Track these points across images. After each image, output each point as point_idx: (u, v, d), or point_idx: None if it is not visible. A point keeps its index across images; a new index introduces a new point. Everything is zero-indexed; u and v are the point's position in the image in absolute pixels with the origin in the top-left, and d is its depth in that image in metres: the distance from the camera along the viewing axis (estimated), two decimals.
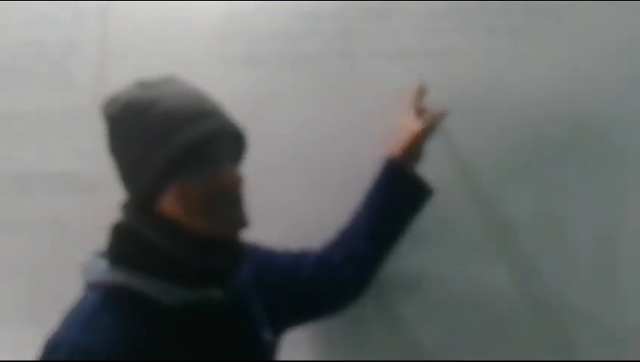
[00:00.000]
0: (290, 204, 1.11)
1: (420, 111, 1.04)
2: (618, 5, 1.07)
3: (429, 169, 1.04)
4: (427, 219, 1.04)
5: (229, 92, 1.11)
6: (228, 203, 0.75)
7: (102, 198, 1.14)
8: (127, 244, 0.75)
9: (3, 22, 1.19)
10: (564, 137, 1.07)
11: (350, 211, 1.03)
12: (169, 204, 0.73)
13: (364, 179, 1.02)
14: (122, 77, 1.14)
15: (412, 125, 1.00)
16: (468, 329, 1.09)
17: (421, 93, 1.06)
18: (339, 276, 0.97)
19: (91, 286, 0.75)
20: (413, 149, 1.00)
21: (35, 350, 1.11)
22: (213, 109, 0.76)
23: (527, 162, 1.08)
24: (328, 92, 1.12)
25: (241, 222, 0.77)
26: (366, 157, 1.05)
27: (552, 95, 1.08)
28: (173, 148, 0.71)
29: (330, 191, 1.10)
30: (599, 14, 1.07)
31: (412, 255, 1.08)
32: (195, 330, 0.74)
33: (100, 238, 1.14)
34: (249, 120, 1.12)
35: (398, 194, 0.98)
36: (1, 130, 1.17)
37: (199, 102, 0.76)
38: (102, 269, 0.75)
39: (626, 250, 1.06)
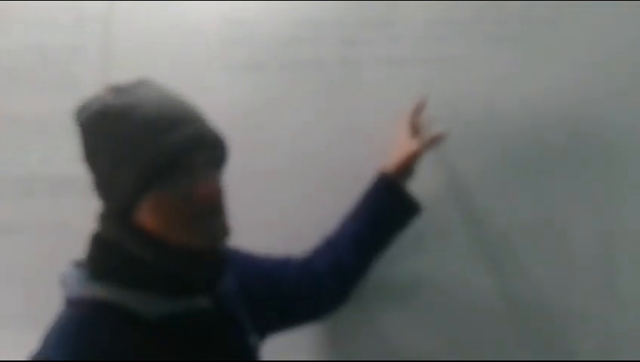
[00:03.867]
0: (290, 210, 1.12)
1: (417, 129, 1.05)
2: (616, 13, 1.08)
3: (427, 175, 1.05)
4: (424, 224, 1.05)
5: (230, 97, 1.13)
6: (206, 215, 0.72)
7: None
8: (106, 256, 0.72)
9: (7, 26, 1.19)
10: (562, 143, 1.09)
11: (345, 213, 1.04)
12: (145, 215, 0.70)
13: (364, 185, 1.03)
14: (125, 81, 1.17)
15: (407, 144, 1.01)
16: (465, 333, 1.09)
17: (419, 109, 1.06)
18: (321, 284, 0.96)
19: (71, 302, 0.72)
20: (407, 167, 1.00)
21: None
22: (191, 116, 0.73)
23: (526, 167, 1.09)
24: (329, 98, 1.13)
25: (220, 234, 0.74)
26: (366, 163, 1.06)
27: (550, 102, 1.09)
28: (148, 158, 0.68)
29: (330, 196, 1.10)
30: (597, 22, 1.09)
31: (409, 260, 1.09)
32: (181, 341, 0.72)
33: None
34: (249, 125, 1.14)
35: (387, 209, 0.98)
36: (4, 133, 1.17)
37: (176, 109, 0.72)
38: (81, 283, 0.72)
39: (624, 251, 1.07)
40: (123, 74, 1.15)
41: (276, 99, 1.13)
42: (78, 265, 0.75)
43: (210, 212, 0.72)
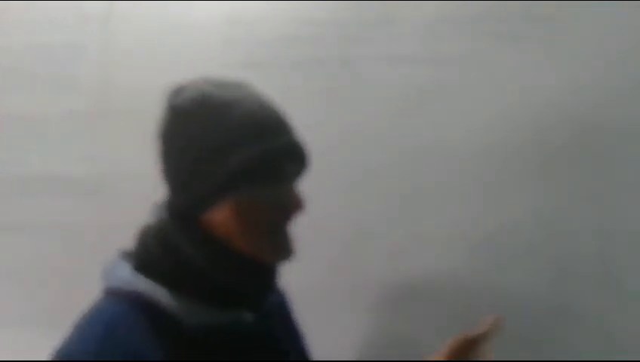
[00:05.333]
0: None
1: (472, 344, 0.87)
2: (618, 11, 1.08)
3: (426, 174, 1.05)
4: (428, 220, 1.04)
5: None
6: (284, 227, 0.69)
7: (104, 202, 1.15)
8: (156, 251, 0.66)
9: (7, 25, 1.19)
10: (565, 141, 1.08)
11: (346, 214, 1.03)
12: (220, 217, 0.65)
13: (364, 183, 1.03)
14: (125, 80, 1.17)
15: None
16: (467, 330, 1.09)
17: (494, 331, 0.87)
18: None
19: (111, 293, 0.66)
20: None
21: (35, 351, 1.12)
22: (286, 125, 0.70)
23: (528, 165, 1.09)
24: (329, 98, 1.13)
25: (290, 250, 0.70)
26: (367, 162, 1.05)
27: (553, 100, 1.09)
28: (243, 158, 0.64)
29: (329, 196, 1.10)
30: (598, 21, 1.09)
31: (409, 260, 1.09)
32: (217, 354, 0.65)
33: (100, 242, 1.16)
34: None
35: None
36: (4, 133, 1.18)
37: (273, 115, 0.69)
38: (125, 275, 0.66)
39: (624, 251, 1.06)
40: (124, 73, 1.16)
41: (276, 98, 1.13)
42: (124, 255, 0.69)
43: (285, 225, 0.70)
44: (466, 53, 1.10)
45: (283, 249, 0.69)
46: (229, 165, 0.64)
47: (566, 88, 1.09)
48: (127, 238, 1.13)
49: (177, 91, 0.69)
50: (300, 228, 1.08)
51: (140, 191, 1.15)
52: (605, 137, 1.08)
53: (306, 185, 1.10)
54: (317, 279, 1.07)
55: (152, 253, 0.66)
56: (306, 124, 1.12)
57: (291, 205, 0.69)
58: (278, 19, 1.14)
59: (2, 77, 1.19)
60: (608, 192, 1.08)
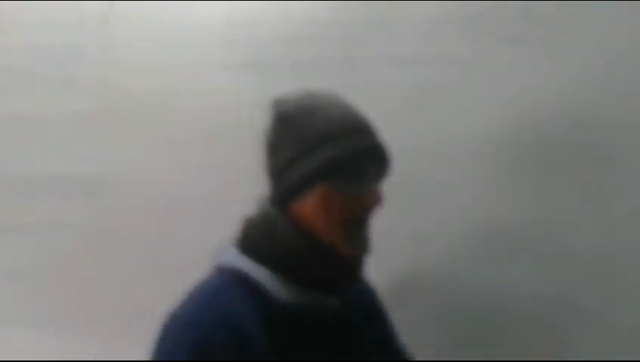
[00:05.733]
0: None
1: None
2: (616, 11, 1.08)
3: (425, 174, 1.05)
4: (426, 219, 1.04)
5: (231, 97, 1.13)
6: (363, 222, 0.78)
7: (104, 202, 1.15)
8: (256, 237, 0.78)
9: (7, 25, 1.19)
10: (563, 140, 1.08)
11: None
12: (307, 205, 0.76)
13: None
14: (125, 81, 1.17)
15: None
16: (465, 333, 1.09)
17: None
18: None
19: (218, 270, 0.79)
20: None
21: (35, 351, 1.12)
22: (369, 127, 0.80)
23: (527, 165, 1.09)
24: None
25: (367, 245, 0.79)
26: None
27: (551, 100, 1.09)
28: (329, 154, 0.74)
29: None
30: (599, 21, 1.09)
31: (408, 260, 1.09)
32: (304, 330, 0.75)
33: (100, 242, 1.16)
34: (250, 124, 1.13)
35: None
36: (4, 133, 1.18)
37: (357, 118, 0.79)
38: (230, 255, 0.79)
39: (624, 251, 1.07)
40: (123, 74, 1.16)
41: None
42: (233, 240, 0.81)
43: (365, 221, 0.78)
44: (466, 54, 1.10)
45: (359, 243, 0.78)
46: (317, 159, 0.74)
47: (566, 88, 1.09)
48: (126, 237, 1.15)
49: (280, 101, 0.81)
50: None
51: (140, 191, 1.16)
52: (605, 137, 1.08)
53: None
54: None
55: (253, 237, 0.78)
56: None
57: (370, 200, 0.77)
58: (279, 19, 1.14)
59: (2, 77, 1.19)
60: (608, 192, 1.08)
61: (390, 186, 1.16)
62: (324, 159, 0.74)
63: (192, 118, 1.14)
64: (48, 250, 1.15)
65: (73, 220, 1.15)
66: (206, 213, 1.12)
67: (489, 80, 1.10)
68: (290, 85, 1.12)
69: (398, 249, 1.04)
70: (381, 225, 1.09)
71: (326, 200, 0.75)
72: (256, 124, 1.12)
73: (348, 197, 0.76)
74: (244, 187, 1.11)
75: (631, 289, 1.06)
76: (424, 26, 1.11)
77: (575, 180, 1.08)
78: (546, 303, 1.08)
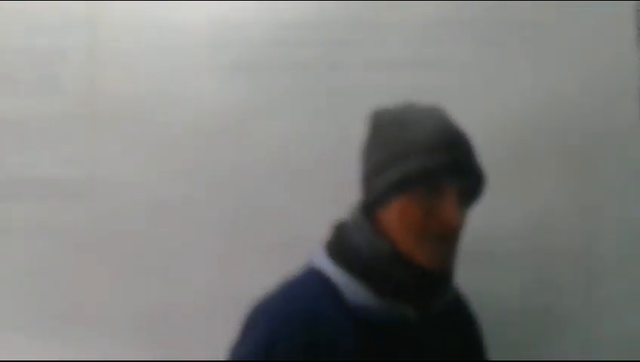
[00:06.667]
0: (277, 213, 1.11)
1: None
2: (604, 17, 1.10)
3: None
4: None
5: (218, 99, 1.13)
6: (439, 237, 0.77)
7: (89, 205, 1.14)
8: (340, 241, 0.82)
9: None
10: (550, 144, 1.10)
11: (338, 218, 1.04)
12: (389, 214, 0.78)
13: (352, 187, 1.03)
14: (111, 84, 1.17)
15: None
16: None
17: None
18: None
19: (308, 268, 0.84)
20: None
21: (23, 355, 1.11)
22: (456, 144, 0.79)
23: (515, 169, 1.10)
24: (317, 101, 1.13)
25: (441, 260, 0.78)
26: (355, 167, 1.06)
27: (539, 104, 1.10)
28: (410, 166, 0.76)
29: (318, 199, 1.10)
30: (595, 23, 1.10)
31: None
32: (377, 337, 0.77)
33: (87, 244, 1.15)
34: (237, 127, 1.14)
35: None
36: None
37: (457, 135, 0.80)
38: (317, 257, 0.84)
39: (612, 252, 1.08)
40: (109, 77, 1.15)
41: (265, 101, 1.13)
42: (325, 242, 0.86)
43: (443, 237, 0.77)
44: (454, 58, 1.11)
45: (436, 256, 0.77)
46: (400, 170, 0.77)
47: (553, 93, 1.10)
48: (114, 240, 1.14)
49: (382, 112, 0.85)
50: (286, 230, 1.09)
51: (127, 193, 1.15)
52: (591, 141, 1.09)
53: (294, 188, 1.11)
54: None
55: (337, 241, 0.83)
56: (295, 127, 1.13)
57: (442, 218, 0.76)
58: (267, 22, 1.14)
59: None
60: (596, 194, 1.09)
61: None
62: (406, 170, 0.76)
63: (178, 120, 1.14)
64: (35, 253, 1.14)
65: (60, 223, 1.14)
66: (194, 215, 1.12)
67: (482, 83, 1.11)
68: (278, 88, 1.14)
69: None
70: None
71: (402, 211, 0.77)
72: (244, 126, 1.13)
73: (424, 209, 0.76)
74: (232, 189, 1.12)
75: (617, 290, 1.07)
76: (416, 29, 1.12)
77: (564, 182, 1.09)
78: (533, 305, 1.09)
